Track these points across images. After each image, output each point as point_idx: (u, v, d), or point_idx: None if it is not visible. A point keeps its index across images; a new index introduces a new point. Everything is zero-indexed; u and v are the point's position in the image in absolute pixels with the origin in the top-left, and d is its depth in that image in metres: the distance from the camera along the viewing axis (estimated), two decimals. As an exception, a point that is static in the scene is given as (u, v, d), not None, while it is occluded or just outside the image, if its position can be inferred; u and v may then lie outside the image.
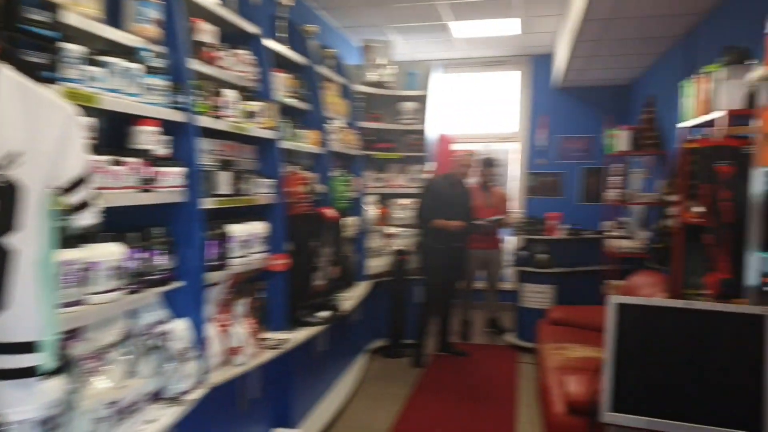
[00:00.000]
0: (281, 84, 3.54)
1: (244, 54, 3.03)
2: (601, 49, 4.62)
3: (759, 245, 1.94)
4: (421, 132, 5.40)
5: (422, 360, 4.88)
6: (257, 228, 3.00)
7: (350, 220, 4.58)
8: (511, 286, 6.69)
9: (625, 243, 4.50)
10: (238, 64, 2.99)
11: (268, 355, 2.89)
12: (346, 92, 4.78)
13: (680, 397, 1.45)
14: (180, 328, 2.29)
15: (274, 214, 3.21)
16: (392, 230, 5.23)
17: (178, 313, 2.36)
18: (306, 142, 3.78)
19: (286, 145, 3.46)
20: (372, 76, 5.25)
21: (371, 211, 5.13)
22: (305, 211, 3.31)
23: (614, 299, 1.56)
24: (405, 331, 5.11)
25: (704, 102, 2.23)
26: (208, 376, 2.42)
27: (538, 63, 6.63)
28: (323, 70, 4.27)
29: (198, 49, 2.64)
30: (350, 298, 4.22)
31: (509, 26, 5.42)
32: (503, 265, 5.74)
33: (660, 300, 1.80)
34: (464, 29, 5.59)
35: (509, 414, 3.89)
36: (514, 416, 3.86)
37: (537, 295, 5.12)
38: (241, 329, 2.77)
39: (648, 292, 3.72)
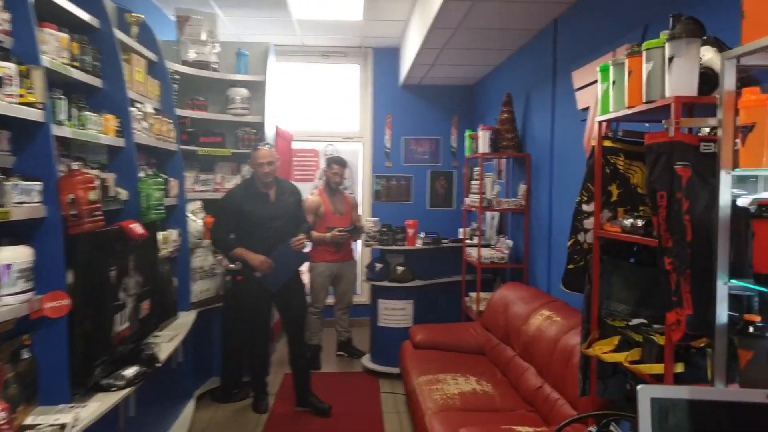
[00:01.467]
0: (55, 45, 2.46)
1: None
2: (458, 39, 4.20)
3: (726, 270, 1.50)
4: (256, 124, 4.52)
5: (265, 403, 4.00)
6: (14, 256, 2.00)
7: (167, 235, 3.58)
8: (363, 301, 6.14)
9: (488, 252, 4.13)
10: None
11: (36, 450, 1.89)
12: (158, 71, 3.74)
13: None
14: None
15: (44, 233, 2.19)
16: (223, 245, 4.25)
17: None
18: (97, 129, 2.72)
19: (64, 131, 2.40)
20: (191, 54, 4.24)
21: (196, 221, 4.12)
22: (96, 227, 2.28)
23: (644, 392, 0.94)
24: (242, 369, 4.19)
25: (637, 88, 1.77)
26: None
27: (383, 57, 6.13)
28: (124, 38, 3.22)
29: None
30: (170, 338, 3.23)
31: (351, 8, 4.79)
32: (355, 279, 5.11)
33: (723, 392, 1.24)
34: (305, 9, 4.84)
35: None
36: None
37: (395, 313, 4.54)
38: (-15, 418, 1.74)
39: (523, 309, 3.32)
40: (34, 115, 2.14)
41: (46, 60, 2.32)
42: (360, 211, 6.28)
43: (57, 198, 2.21)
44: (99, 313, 2.38)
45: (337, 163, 4.85)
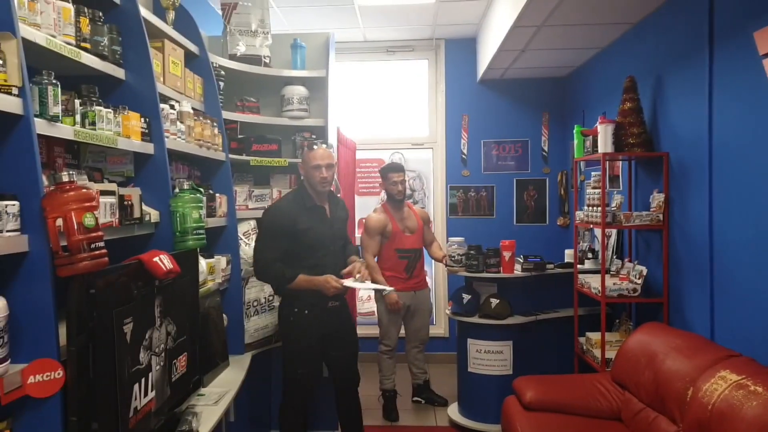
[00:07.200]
0: (53, 17, 1.81)
1: None
2: (564, 11, 3.34)
3: None
4: (316, 129, 3.80)
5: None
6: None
7: (214, 264, 2.89)
8: (439, 333, 5.31)
9: (612, 282, 3.19)
10: None
11: None
12: (200, 66, 3.09)
13: None
14: None
15: (25, 276, 1.53)
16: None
17: None
18: (114, 130, 2.04)
19: (61, 130, 1.72)
20: (240, 47, 3.57)
21: (249, 245, 3.43)
22: (96, 265, 1.56)
23: None
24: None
25: None
26: None
27: (456, 49, 5.33)
28: (154, 20, 2.56)
29: None
30: (216, 398, 2.52)
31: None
32: (431, 310, 4.28)
33: None
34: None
35: None
36: None
37: (490, 357, 3.66)
38: None
39: (684, 366, 2.37)
40: (9, 104, 1.47)
41: (39, 37, 1.68)
42: (432, 228, 5.48)
43: (42, 224, 1.52)
44: (109, 385, 1.66)
45: (394, 171, 4.08)
